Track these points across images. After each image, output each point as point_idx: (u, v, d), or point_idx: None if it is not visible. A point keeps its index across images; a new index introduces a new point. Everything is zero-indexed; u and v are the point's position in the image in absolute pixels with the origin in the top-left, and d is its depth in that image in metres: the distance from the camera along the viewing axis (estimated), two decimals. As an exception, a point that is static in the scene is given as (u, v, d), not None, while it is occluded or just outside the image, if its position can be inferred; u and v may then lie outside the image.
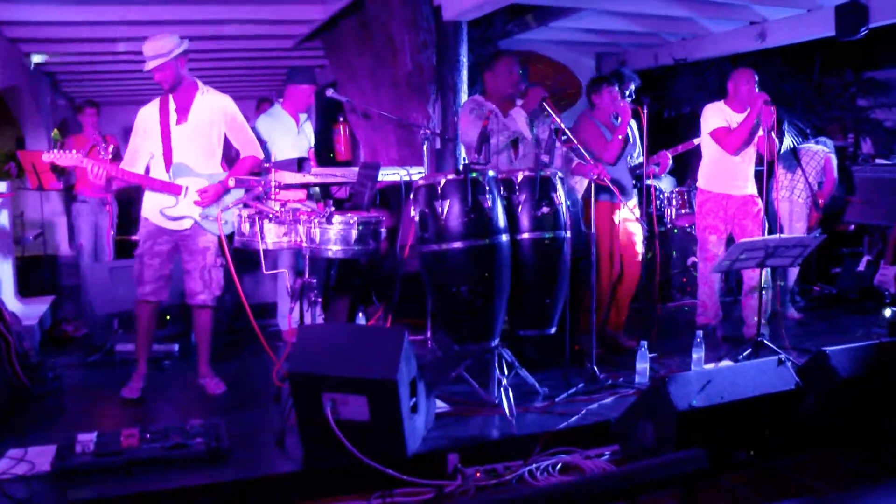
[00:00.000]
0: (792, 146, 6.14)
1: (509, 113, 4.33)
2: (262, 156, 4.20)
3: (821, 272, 6.80)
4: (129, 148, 4.06)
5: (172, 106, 3.97)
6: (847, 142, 8.13)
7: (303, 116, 5.12)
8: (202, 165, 4.04)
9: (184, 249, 4.09)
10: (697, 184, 5.25)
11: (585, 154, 4.32)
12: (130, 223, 6.65)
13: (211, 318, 4.22)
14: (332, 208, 3.78)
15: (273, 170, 3.94)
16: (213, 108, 4.04)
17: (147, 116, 4.01)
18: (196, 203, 4.01)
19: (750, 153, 5.03)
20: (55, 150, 3.93)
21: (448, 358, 4.37)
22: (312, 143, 5.24)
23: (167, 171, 3.98)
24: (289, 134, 5.00)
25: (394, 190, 5.11)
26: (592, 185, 4.31)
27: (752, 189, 5.08)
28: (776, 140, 4.80)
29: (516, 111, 4.34)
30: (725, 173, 5.04)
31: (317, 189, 4.86)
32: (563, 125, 4.23)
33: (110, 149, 5.51)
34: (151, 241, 4.02)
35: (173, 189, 3.99)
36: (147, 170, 4.04)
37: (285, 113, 5.04)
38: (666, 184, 6.88)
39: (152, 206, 4.03)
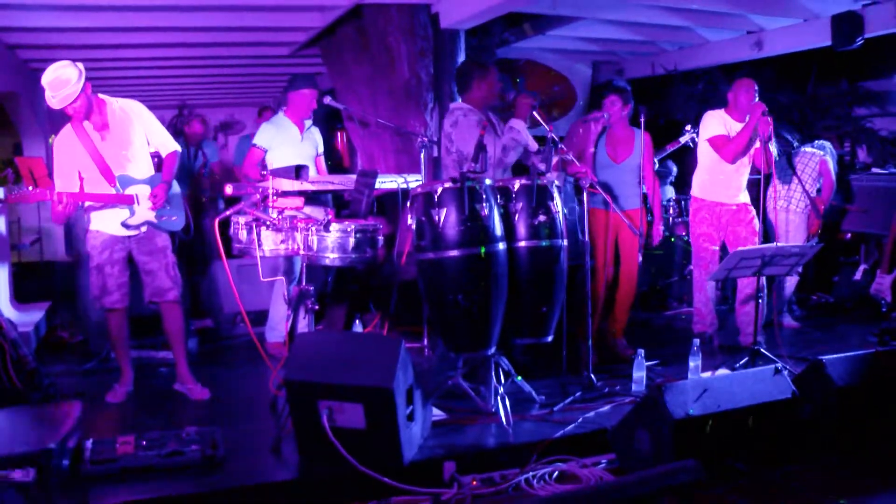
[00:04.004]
0: (787, 152, 6.14)
1: (511, 125, 4.34)
2: (179, 148, 4.28)
3: (818, 281, 6.80)
4: (61, 173, 3.99)
5: (90, 127, 3.98)
6: (843, 151, 8.15)
7: (307, 123, 5.13)
8: (140, 172, 4.11)
9: (140, 252, 4.13)
10: (691, 191, 5.26)
11: (576, 162, 4.33)
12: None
13: (183, 314, 4.27)
14: (330, 216, 3.79)
15: (270, 177, 3.94)
16: (129, 116, 4.09)
17: (66, 143, 3.99)
18: (151, 209, 4.08)
19: (744, 163, 5.04)
20: (17, 192, 3.84)
21: (445, 366, 4.37)
22: (321, 149, 5.25)
23: (112, 185, 4.01)
24: (291, 142, 5.01)
25: (391, 198, 5.11)
26: (585, 193, 4.33)
27: (744, 198, 5.11)
28: (773, 152, 4.82)
29: (517, 122, 4.35)
30: (719, 182, 5.05)
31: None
32: (553, 133, 4.24)
33: None
34: (108, 251, 4.06)
35: (128, 200, 4.03)
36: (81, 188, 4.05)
37: (288, 120, 5.05)
38: (664, 192, 6.90)
39: (107, 219, 4.06)
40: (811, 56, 7.06)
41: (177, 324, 4.22)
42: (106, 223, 4.07)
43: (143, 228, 4.11)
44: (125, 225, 4.04)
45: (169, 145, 4.22)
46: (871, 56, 6.73)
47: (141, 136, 4.12)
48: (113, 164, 4.00)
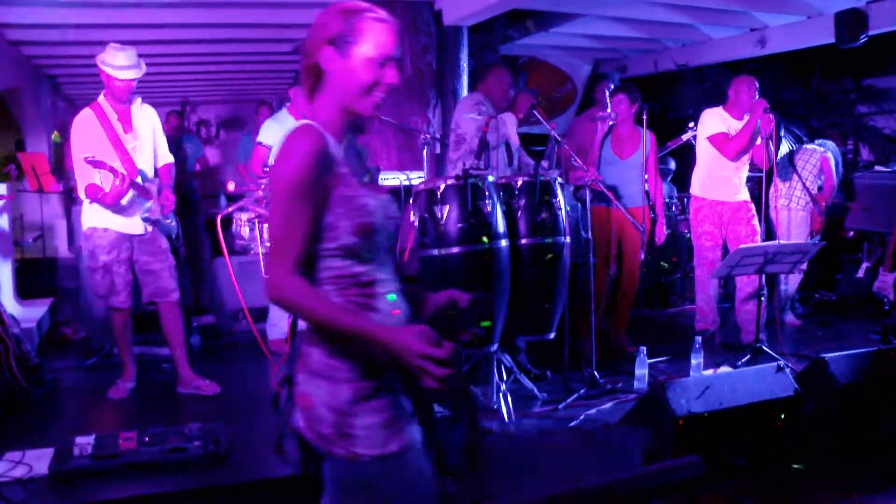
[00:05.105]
0: (789, 150, 6.13)
1: (501, 117, 4.37)
2: (173, 160, 4.32)
3: (821, 279, 6.79)
4: (87, 153, 3.88)
5: (114, 116, 3.98)
6: (846, 148, 8.14)
7: None
8: (149, 173, 4.14)
9: (143, 252, 4.11)
10: (691, 190, 5.24)
11: (577, 160, 4.33)
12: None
13: (182, 315, 4.28)
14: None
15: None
16: (150, 120, 4.15)
17: (89, 127, 3.94)
18: (165, 211, 4.12)
19: (744, 160, 5.03)
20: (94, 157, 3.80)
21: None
22: None
23: (136, 176, 4.01)
24: None
25: (394, 194, 5.11)
26: (587, 190, 4.33)
27: (744, 195, 5.10)
28: (773, 149, 4.80)
29: (507, 115, 4.36)
30: (719, 180, 5.04)
31: None
32: (554, 132, 4.25)
33: None
34: (116, 251, 4.03)
35: (150, 194, 4.04)
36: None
37: (291, 118, 5.06)
38: (665, 190, 6.89)
39: (117, 216, 4.01)
40: (816, 52, 7.05)
41: (178, 324, 4.22)
42: (115, 220, 4.03)
43: (149, 227, 4.11)
44: (147, 219, 4.05)
45: (167, 156, 4.27)
46: (875, 53, 6.71)
47: (152, 140, 4.16)
48: (135, 158, 4.01)
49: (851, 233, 6.84)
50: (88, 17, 6.00)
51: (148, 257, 4.12)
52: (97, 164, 3.76)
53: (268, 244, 1.28)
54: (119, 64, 3.88)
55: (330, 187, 1.60)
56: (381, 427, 1.61)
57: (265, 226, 3.88)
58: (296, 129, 1.62)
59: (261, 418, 3.80)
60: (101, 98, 4.01)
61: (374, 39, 1.61)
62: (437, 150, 5.52)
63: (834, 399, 3.48)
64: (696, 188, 5.19)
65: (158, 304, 4.18)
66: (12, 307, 5.42)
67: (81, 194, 3.95)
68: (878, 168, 7.01)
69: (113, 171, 3.79)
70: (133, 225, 4.06)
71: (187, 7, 5.98)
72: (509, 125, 4.39)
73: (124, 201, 3.96)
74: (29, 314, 5.47)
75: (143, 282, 4.16)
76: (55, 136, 9.84)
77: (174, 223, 4.27)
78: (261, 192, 3.92)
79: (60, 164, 8.73)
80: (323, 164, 1.58)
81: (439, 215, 3.62)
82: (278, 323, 5.04)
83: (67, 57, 7.62)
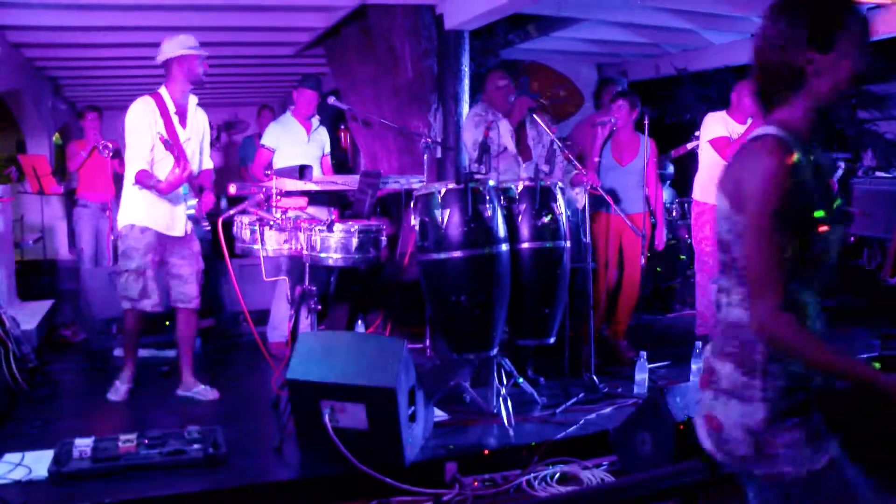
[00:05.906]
0: None
1: (497, 122, 4.40)
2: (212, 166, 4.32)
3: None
4: (143, 146, 3.85)
5: (172, 108, 3.94)
6: (847, 154, 8.14)
7: (315, 123, 5.12)
8: (195, 173, 4.10)
9: (175, 254, 4.06)
10: (692, 195, 5.24)
11: (577, 164, 4.34)
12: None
13: (196, 321, 4.27)
14: (334, 216, 3.79)
15: (274, 177, 3.94)
16: (202, 122, 4.15)
17: (150, 113, 3.89)
18: (206, 209, 4.08)
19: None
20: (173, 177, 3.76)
21: (447, 367, 4.37)
22: (328, 150, 5.25)
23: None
24: (297, 142, 5.01)
25: (394, 198, 5.11)
26: (586, 195, 4.33)
27: None
28: None
29: (502, 123, 4.39)
30: (720, 184, 5.04)
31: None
32: (553, 135, 4.26)
33: (110, 145, 5.57)
34: (151, 253, 3.96)
35: (196, 192, 4.05)
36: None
37: (295, 121, 5.05)
38: (666, 195, 6.89)
39: (158, 215, 3.94)
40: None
41: (192, 330, 4.19)
42: (156, 220, 3.95)
43: (188, 227, 4.06)
44: (191, 217, 4.01)
45: (208, 161, 4.26)
46: (875, 59, 6.71)
47: (200, 141, 4.14)
48: (186, 151, 3.95)
49: (852, 238, 6.84)
50: (90, 20, 6.00)
51: (179, 260, 4.06)
52: (169, 146, 3.72)
53: (746, 279, 1.24)
54: (194, 44, 3.93)
55: (807, 213, 1.48)
56: (804, 444, 1.55)
57: (266, 228, 3.88)
58: (762, 143, 1.48)
59: (260, 421, 3.81)
60: (161, 89, 3.98)
61: (855, 25, 1.54)
62: (438, 154, 5.52)
63: (833, 403, 3.47)
64: (697, 192, 5.19)
65: (178, 309, 4.14)
66: (12, 309, 5.42)
67: (130, 180, 3.88)
68: (878, 174, 7.01)
69: (179, 156, 3.72)
70: (175, 226, 4.00)
71: (188, 10, 5.98)
72: (502, 131, 4.42)
73: (182, 190, 3.94)
74: (29, 316, 5.47)
75: (170, 285, 4.10)
76: (56, 137, 9.84)
77: (209, 227, 4.21)
78: (262, 196, 3.91)
79: (61, 166, 8.73)
80: (799, 183, 1.45)
81: (439, 219, 3.62)
82: (279, 326, 5.04)
83: (69, 59, 7.62)
